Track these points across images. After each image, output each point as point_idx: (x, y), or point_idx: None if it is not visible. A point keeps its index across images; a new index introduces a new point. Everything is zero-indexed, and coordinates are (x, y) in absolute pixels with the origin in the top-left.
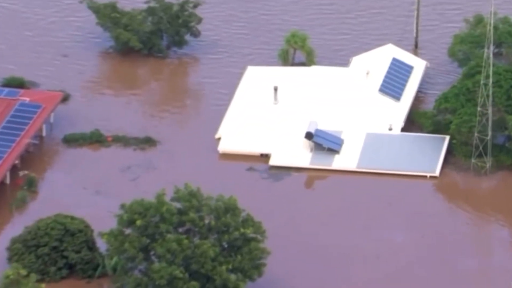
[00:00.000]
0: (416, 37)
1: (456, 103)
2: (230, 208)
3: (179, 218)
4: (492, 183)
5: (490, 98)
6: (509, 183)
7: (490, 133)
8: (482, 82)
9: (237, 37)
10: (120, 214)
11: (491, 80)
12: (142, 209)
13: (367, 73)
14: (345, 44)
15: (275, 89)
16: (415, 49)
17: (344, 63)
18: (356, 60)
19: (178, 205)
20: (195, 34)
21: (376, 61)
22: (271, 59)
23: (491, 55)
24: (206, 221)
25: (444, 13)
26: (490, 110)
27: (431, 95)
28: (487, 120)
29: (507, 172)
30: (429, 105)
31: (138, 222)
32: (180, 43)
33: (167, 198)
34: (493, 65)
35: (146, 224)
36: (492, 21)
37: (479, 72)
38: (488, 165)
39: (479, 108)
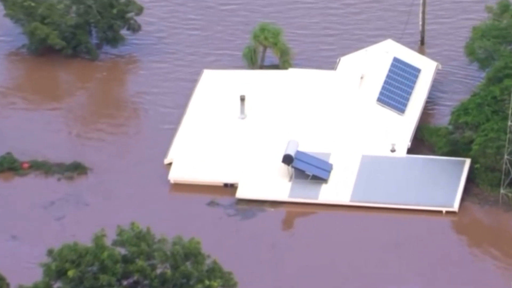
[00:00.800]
0: (422, 31)
1: (479, 116)
2: (191, 254)
3: (124, 267)
4: None
5: None
6: None
7: None
8: None
9: (189, 33)
10: (47, 262)
11: None
12: (76, 255)
13: (361, 78)
14: (330, 41)
15: (242, 99)
16: (421, 47)
17: (330, 65)
18: (346, 61)
19: (122, 250)
20: (134, 28)
21: (372, 62)
22: (233, 60)
23: None
24: (160, 271)
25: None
26: None
27: (444, 106)
28: None
29: None
30: (442, 119)
31: (71, 273)
32: (115, 40)
33: (107, 242)
34: None
35: (81, 275)
36: None
37: (510, 76)
38: None
39: (510, 122)
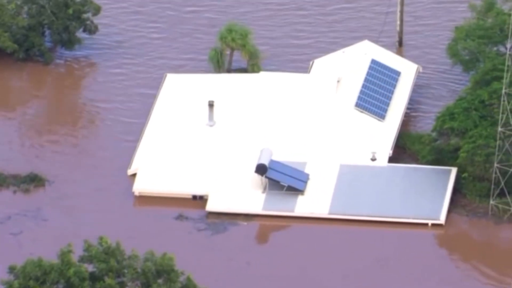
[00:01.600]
0: (400, 31)
1: (466, 122)
2: (164, 271)
3: (91, 285)
4: None
5: None
6: None
7: None
8: (504, 91)
9: (150, 36)
10: (9, 280)
11: None
12: (40, 272)
13: (338, 81)
14: (301, 43)
15: (211, 105)
16: (399, 48)
17: (302, 68)
18: (319, 64)
19: (90, 267)
20: (91, 30)
21: (349, 64)
22: (198, 64)
23: None
24: None
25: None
26: None
27: (425, 111)
28: (511, 145)
29: None
30: (423, 126)
31: None
32: (70, 42)
33: (74, 258)
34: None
35: None
36: None
37: (498, 78)
38: None
39: (500, 129)
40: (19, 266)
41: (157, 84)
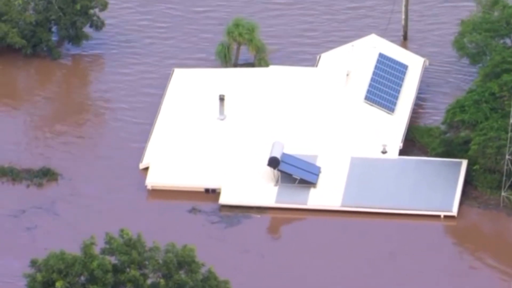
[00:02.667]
0: (405, 25)
1: (477, 114)
2: (185, 262)
3: (115, 277)
4: None
5: None
6: None
7: None
8: None
9: (157, 30)
10: (32, 273)
11: None
12: (63, 265)
13: (347, 75)
14: (307, 37)
15: (221, 98)
16: (404, 42)
17: (308, 62)
18: (327, 58)
19: (112, 259)
20: (97, 25)
21: (357, 58)
22: (205, 58)
23: None
24: (152, 281)
25: None
26: None
27: (432, 105)
28: None
29: None
30: (431, 119)
31: (59, 284)
32: (77, 38)
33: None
34: None
35: (70, 287)
36: None
37: (508, 71)
38: None
39: (511, 120)
40: (41, 259)
41: (164, 81)
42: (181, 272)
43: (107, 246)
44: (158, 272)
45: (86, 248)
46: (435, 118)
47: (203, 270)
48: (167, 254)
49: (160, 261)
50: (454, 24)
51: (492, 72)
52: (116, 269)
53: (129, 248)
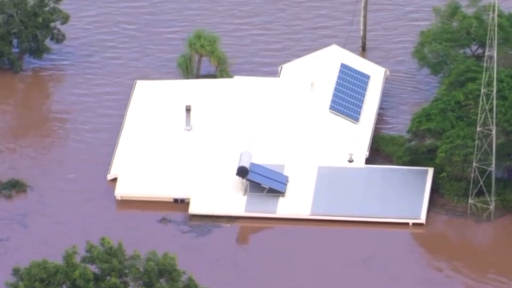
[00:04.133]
0: (364, 36)
1: (443, 123)
2: (166, 271)
3: (96, 285)
4: (499, 232)
5: (495, 114)
6: None
7: (494, 162)
8: (483, 91)
9: (118, 43)
10: (14, 282)
11: (495, 89)
12: (46, 274)
13: (312, 85)
14: (268, 50)
15: (188, 109)
16: (363, 53)
17: (270, 73)
18: (288, 68)
19: (93, 267)
20: (58, 38)
21: (319, 68)
22: (166, 71)
23: (495, 55)
24: None
25: (396, 2)
26: (494, 130)
27: (393, 113)
28: (489, 144)
29: None
30: (393, 128)
31: None
32: (39, 51)
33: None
34: (487, 70)
35: None
36: (497, 4)
37: (472, 79)
38: (492, 206)
39: (478, 128)
40: (24, 268)
41: (126, 92)
42: (162, 280)
43: (88, 254)
44: (139, 281)
45: (68, 257)
46: (396, 127)
47: (183, 278)
48: (148, 262)
49: (141, 269)
50: (412, 35)
51: (456, 81)
52: (97, 278)
53: (109, 257)
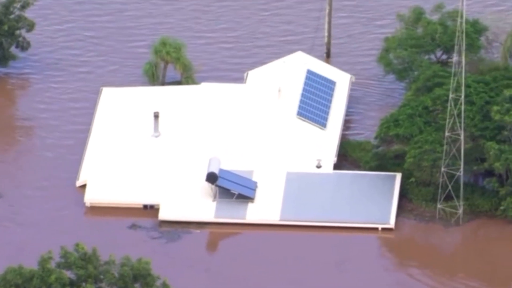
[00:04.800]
0: (328, 43)
1: (411, 128)
2: (141, 275)
3: None
4: (467, 236)
5: (463, 119)
6: (489, 235)
7: (462, 167)
8: (451, 96)
9: (83, 51)
10: None
11: (463, 94)
12: (21, 280)
13: (279, 91)
14: (233, 56)
15: (156, 116)
16: (327, 59)
17: (236, 79)
18: (254, 75)
19: (68, 273)
20: (23, 46)
21: (286, 74)
22: (132, 77)
23: (463, 60)
24: None
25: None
26: (462, 136)
27: (359, 119)
28: (457, 149)
29: (484, 220)
30: (358, 134)
31: None
32: (4, 58)
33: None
34: (455, 75)
35: None
36: (464, 10)
37: (439, 85)
38: (460, 210)
39: (447, 133)
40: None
41: (92, 99)
42: (137, 285)
43: (63, 260)
44: (114, 286)
45: (44, 262)
46: (362, 133)
47: (158, 283)
48: (122, 268)
49: (116, 275)
50: (376, 41)
51: (423, 86)
52: (72, 283)
53: (84, 262)
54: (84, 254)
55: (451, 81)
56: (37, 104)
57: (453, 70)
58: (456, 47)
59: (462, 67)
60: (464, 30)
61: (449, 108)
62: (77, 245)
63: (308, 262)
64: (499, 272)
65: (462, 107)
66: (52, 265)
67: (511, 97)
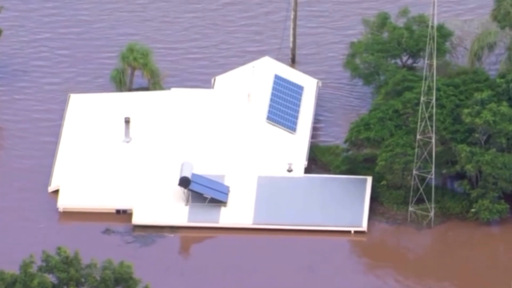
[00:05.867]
0: (293, 48)
1: (382, 131)
2: (123, 279)
3: None
4: (439, 238)
5: (434, 122)
6: (460, 237)
7: (433, 169)
8: (422, 99)
9: (50, 58)
10: None
11: (434, 97)
12: (4, 285)
13: (249, 96)
14: (199, 61)
15: (127, 121)
16: (292, 65)
17: (203, 85)
18: (221, 80)
19: (50, 277)
20: None
21: (253, 79)
22: (99, 84)
23: (435, 64)
24: None
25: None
26: (434, 138)
27: (326, 124)
28: (429, 152)
29: (455, 222)
30: (326, 138)
31: None
32: None
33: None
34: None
35: None
36: (435, 15)
37: (409, 88)
38: (432, 213)
39: (418, 136)
40: None
41: (59, 106)
42: None
43: (44, 264)
44: None
45: (26, 266)
46: (329, 137)
47: (139, 287)
48: (104, 271)
49: (98, 278)
50: (340, 46)
51: (393, 90)
52: (54, 287)
53: (66, 266)
54: (66, 257)
55: (423, 84)
56: (3, 112)
57: (424, 73)
58: (427, 50)
59: (433, 71)
60: (435, 34)
61: (420, 111)
62: (59, 248)
63: (281, 265)
64: (471, 274)
65: (434, 110)
66: (33, 269)
67: (482, 100)
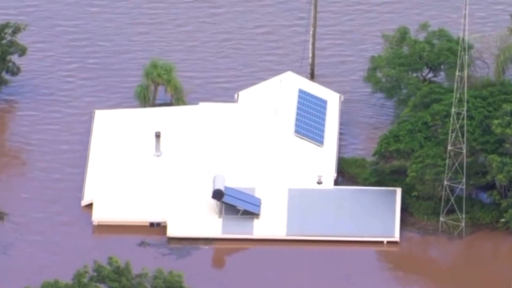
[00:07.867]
0: (312, 64)
1: (412, 143)
2: None
3: None
4: (472, 248)
5: (465, 132)
6: (491, 247)
7: (464, 180)
8: (453, 110)
9: (74, 75)
10: None
11: (465, 108)
12: None
13: (276, 110)
14: (222, 77)
15: (157, 135)
16: (311, 80)
17: (226, 100)
18: (245, 95)
19: (102, 286)
20: (13, 71)
21: (277, 94)
22: (121, 100)
23: (466, 74)
24: None
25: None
26: (464, 150)
27: (349, 137)
28: (460, 164)
29: (486, 232)
30: (351, 151)
31: None
32: None
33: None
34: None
35: None
36: (466, 26)
37: (437, 101)
38: (463, 223)
39: (450, 147)
40: None
41: (85, 121)
42: None
43: (96, 274)
44: None
45: (80, 276)
46: (353, 149)
47: None
48: (155, 280)
49: (149, 287)
50: (360, 61)
51: (421, 102)
52: None
53: (117, 276)
54: (117, 267)
55: (454, 95)
56: (29, 128)
57: (455, 85)
58: (458, 62)
59: (464, 83)
60: (467, 47)
61: (451, 122)
62: (110, 258)
63: (316, 276)
64: (503, 285)
65: (465, 121)
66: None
67: (511, 111)
